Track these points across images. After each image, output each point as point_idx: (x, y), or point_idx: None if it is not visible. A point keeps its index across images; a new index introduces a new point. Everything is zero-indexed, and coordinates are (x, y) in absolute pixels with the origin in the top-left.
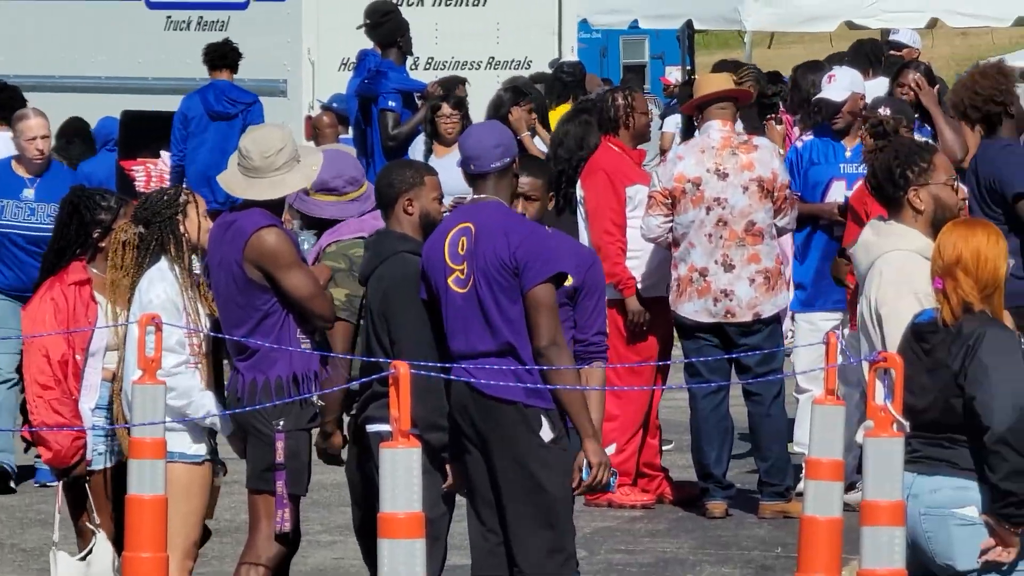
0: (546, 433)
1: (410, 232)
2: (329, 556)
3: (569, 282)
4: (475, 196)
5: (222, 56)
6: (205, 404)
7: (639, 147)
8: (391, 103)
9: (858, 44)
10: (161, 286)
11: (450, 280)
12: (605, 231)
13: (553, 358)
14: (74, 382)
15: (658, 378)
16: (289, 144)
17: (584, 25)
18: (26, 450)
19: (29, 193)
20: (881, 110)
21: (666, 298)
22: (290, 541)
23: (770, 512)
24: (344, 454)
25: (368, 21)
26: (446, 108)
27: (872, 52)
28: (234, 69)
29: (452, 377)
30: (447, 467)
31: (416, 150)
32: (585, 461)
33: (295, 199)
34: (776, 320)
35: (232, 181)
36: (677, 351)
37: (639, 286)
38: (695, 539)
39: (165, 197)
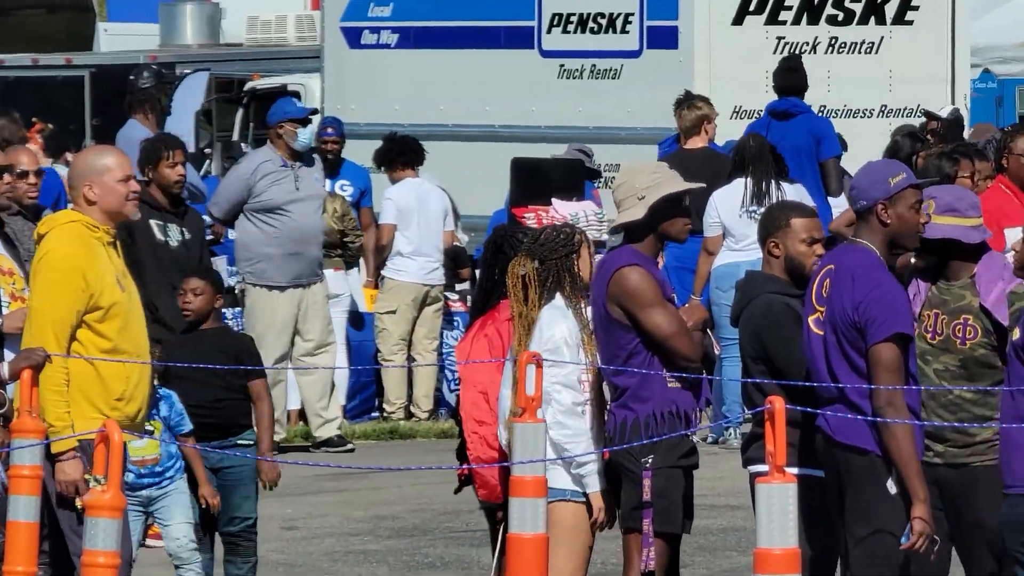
0: (891, 486)
1: (778, 273)
2: None
3: None
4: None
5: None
6: (588, 447)
7: None
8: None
9: None
10: (563, 324)
11: (811, 320)
12: None
13: (888, 419)
14: None
15: None
16: None
17: (987, 76)
18: (457, 490)
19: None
20: None
21: None
22: None
23: None
24: None
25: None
26: None
27: None
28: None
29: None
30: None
31: None
32: (909, 526)
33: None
34: None
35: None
36: None
37: None
38: None
39: (560, 235)
